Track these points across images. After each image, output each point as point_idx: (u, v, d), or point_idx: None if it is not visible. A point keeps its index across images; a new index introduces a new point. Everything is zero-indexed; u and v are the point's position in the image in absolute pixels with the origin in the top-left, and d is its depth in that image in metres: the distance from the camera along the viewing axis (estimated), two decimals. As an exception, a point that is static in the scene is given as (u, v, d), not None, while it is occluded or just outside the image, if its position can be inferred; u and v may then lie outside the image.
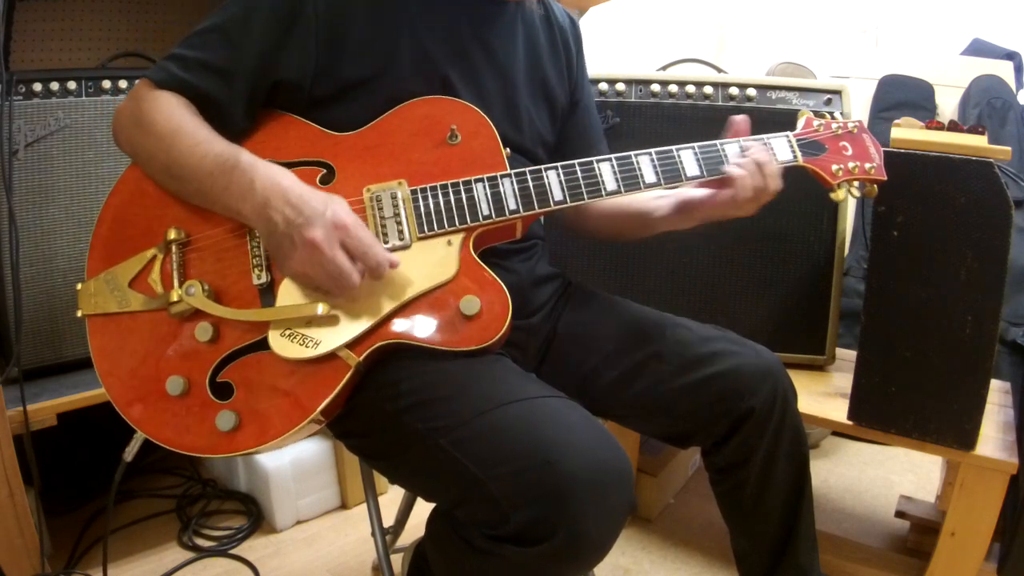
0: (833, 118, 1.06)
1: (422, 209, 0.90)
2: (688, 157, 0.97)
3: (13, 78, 1.32)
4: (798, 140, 1.02)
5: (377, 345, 0.85)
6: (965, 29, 2.45)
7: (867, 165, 1.03)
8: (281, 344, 0.85)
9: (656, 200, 1.08)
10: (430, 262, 0.89)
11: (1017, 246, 1.28)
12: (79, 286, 0.92)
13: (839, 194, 1.02)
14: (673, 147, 0.98)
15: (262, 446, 0.85)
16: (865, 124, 1.06)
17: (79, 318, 0.91)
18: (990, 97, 2.17)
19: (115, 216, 0.93)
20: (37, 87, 1.34)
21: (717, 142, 0.99)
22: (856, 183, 1.04)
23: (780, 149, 1.00)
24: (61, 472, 1.64)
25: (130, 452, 1.16)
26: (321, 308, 0.84)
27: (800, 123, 1.05)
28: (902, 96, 2.25)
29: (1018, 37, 2.35)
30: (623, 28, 2.49)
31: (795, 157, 1.01)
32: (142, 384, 0.88)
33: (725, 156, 0.98)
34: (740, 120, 1.02)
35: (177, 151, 0.87)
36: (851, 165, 1.02)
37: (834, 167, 1.02)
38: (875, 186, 1.04)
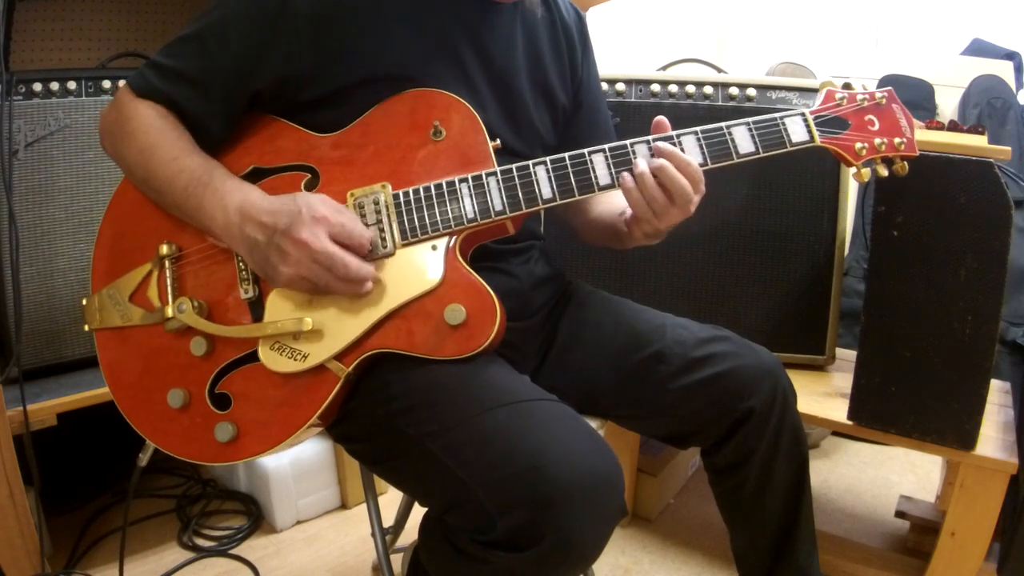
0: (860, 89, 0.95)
1: (404, 214, 0.87)
2: (690, 142, 0.91)
3: (13, 78, 1.32)
4: (816, 117, 0.93)
5: (366, 355, 0.85)
6: (965, 29, 2.46)
7: (896, 140, 0.93)
8: (271, 358, 0.85)
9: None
10: (415, 269, 0.86)
11: (1017, 246, 1.28)
12: (84, 301, 0.94)
13: (863, 174, 0.93)
14: (673, 132, 0.91)
15: (262, 454, 0.86)
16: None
17: (79, 319, 0.92)
18: (990, 97, 2.17)
19: (113, 230, 0.95)
20: (37, 87, 1.34)
21: (720, 126, 0.91)
22: (881, 160, 0.94)
23: (794, 129, 0.92)
24: (61, 472, 1.64)
25: (144, 457, 1.18)
26: (307, 322, 0.84)
27: (820, 97, 0.95)
28: (902, 96, 2.22)
29: (1018, 37, 2.35)
30: (623, 28, 2.49)
31: (811, 138, 0.92)
32: (148, 396, 0.89)
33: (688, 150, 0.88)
34: (659, 121, 0.93)
35: (155, 164, 0.87)
36: (878, 141, 0.93)
37: (857, 145, 0.92)
38: (906, 163, 0.94)
